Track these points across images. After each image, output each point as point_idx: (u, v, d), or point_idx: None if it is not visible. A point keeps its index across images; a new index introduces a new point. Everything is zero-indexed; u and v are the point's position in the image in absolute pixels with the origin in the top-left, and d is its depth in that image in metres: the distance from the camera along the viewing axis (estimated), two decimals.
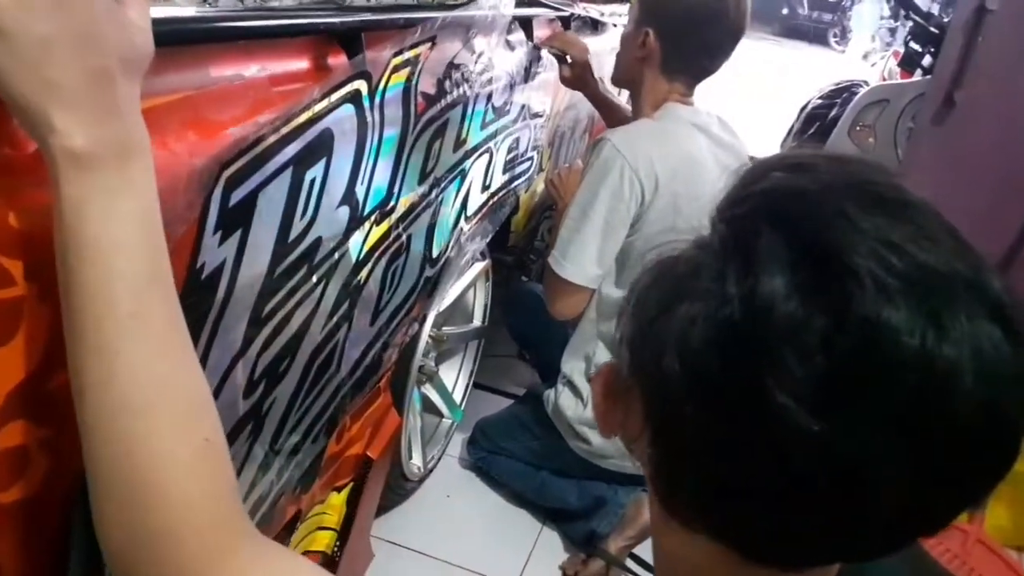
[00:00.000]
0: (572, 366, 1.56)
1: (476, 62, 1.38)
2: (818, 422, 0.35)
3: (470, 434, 1.90)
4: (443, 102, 1.24)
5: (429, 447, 1.84)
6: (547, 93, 1.90)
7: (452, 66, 1.27)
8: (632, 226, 1.39)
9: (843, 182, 0.41)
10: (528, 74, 1.70)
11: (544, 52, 1.72)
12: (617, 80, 1.60)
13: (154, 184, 0.51)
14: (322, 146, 0.89)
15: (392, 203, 1.12)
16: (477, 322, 1.98)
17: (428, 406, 1.83)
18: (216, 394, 0.79)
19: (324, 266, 0.96)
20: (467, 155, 1.41)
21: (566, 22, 2.04)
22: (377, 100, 1.01)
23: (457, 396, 1.95)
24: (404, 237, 1.21)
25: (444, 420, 1.90)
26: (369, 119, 0.99)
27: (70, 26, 0.44)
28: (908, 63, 3.10)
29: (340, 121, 0.92)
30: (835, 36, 12.57)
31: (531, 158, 1.92)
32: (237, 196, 0.74)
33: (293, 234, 0.86)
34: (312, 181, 0.88)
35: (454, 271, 1.58)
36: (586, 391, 1.48)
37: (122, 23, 0.49)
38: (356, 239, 1.03)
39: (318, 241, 0.92)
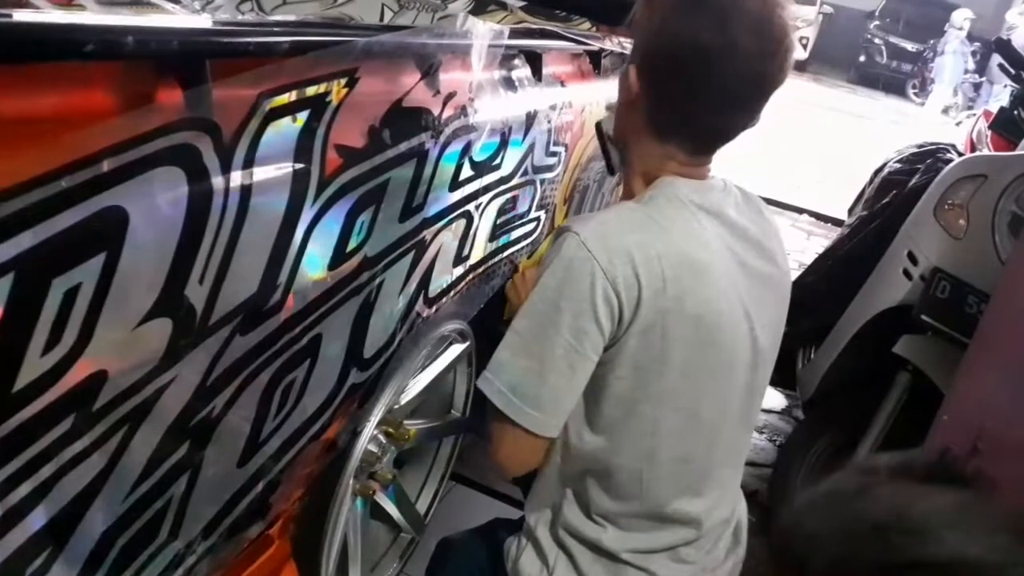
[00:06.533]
0: (536, 517, 1.11)
1: (444, 105, 1.04)
2: None
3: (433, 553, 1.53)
4: (378, 158, 0.90)
5: (381, 567, 1.49)
6: (561, 141, 1.55)
7: (398, 110, 0.93)
8: (606, 351, 0.94)
9: None
10: (533, 120, 1.36)
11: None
12: (615, 139, 1.15)
13: None
14: (98, 235, 0.55)
15: (274, 300, 0.78)
16: (456, 413, 1.63)
17: (382, 516, 1.48)
18: None
19: (117, 411, 0.62)
20: (426, 224, 1.07)
21: (595, 58, 1.69)
22: (237, 157, 0.68)
23: (423, 504, 1.60)
24: (305, 341, 0.87)
25: (403, 533, 1.54)
26: (214, 186, 0.65)
27: None
28: (1005, 128, 2.67)
29: (147, 193, 0.59)
30: (914, 87, 11.96)
31: (536, 219, 1.57)
32: None
33: (23, 381, 0.53)
34: (72, 291, 0.54)
35: (411, 366, 1.24)
36: (553, 554, 1.07)
37: None
38: (193, 360, 0.69)
39: (98, 378, 0.59)
